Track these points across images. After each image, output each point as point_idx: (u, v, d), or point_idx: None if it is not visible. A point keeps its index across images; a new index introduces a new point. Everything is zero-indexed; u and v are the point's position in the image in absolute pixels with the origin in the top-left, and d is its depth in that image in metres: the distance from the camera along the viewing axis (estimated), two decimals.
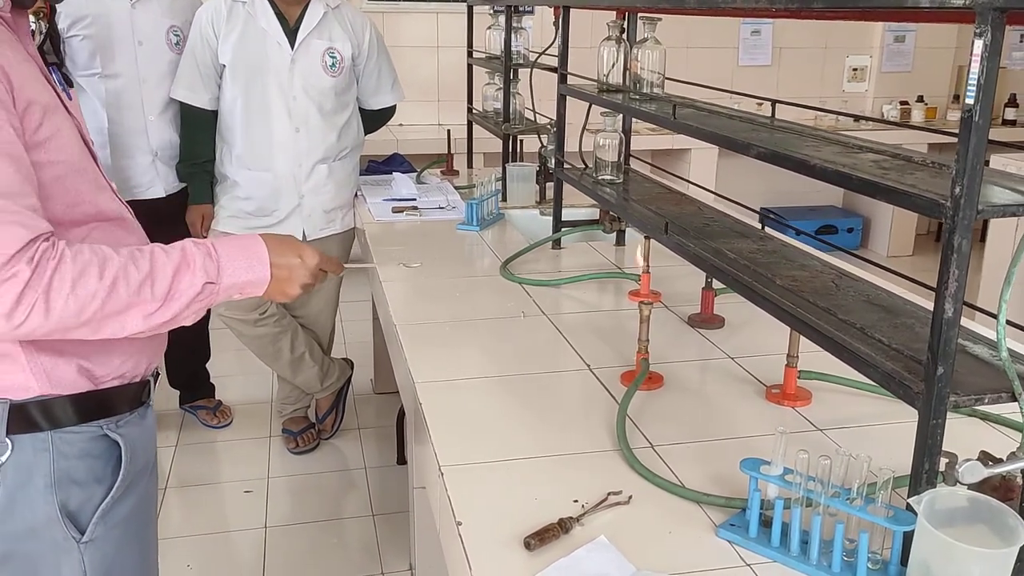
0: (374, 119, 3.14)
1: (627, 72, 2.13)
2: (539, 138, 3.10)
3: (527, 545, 1.12)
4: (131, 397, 1.26)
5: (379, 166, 3.58)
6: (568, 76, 2.36)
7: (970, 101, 0.94)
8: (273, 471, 3.15)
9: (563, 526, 1.16)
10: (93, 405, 1.20)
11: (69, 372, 1.18)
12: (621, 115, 2.24)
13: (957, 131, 0.95)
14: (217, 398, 3.49)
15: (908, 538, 1.04)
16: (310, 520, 2.87)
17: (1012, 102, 5.97)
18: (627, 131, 2.35)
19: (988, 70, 0.92)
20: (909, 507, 1.03)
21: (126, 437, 1.25)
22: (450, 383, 1.64)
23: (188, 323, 1.18)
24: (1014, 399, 1.03)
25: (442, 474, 1.32)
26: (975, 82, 0.93)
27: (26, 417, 1.16)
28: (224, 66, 2.87)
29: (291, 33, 2.85)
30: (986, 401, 1.03)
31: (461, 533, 1.17)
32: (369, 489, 3.05)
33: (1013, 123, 5.93)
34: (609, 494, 1.25)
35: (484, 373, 1.69)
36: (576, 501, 1.24)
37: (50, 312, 1.04)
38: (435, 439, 1.42)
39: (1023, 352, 1.17)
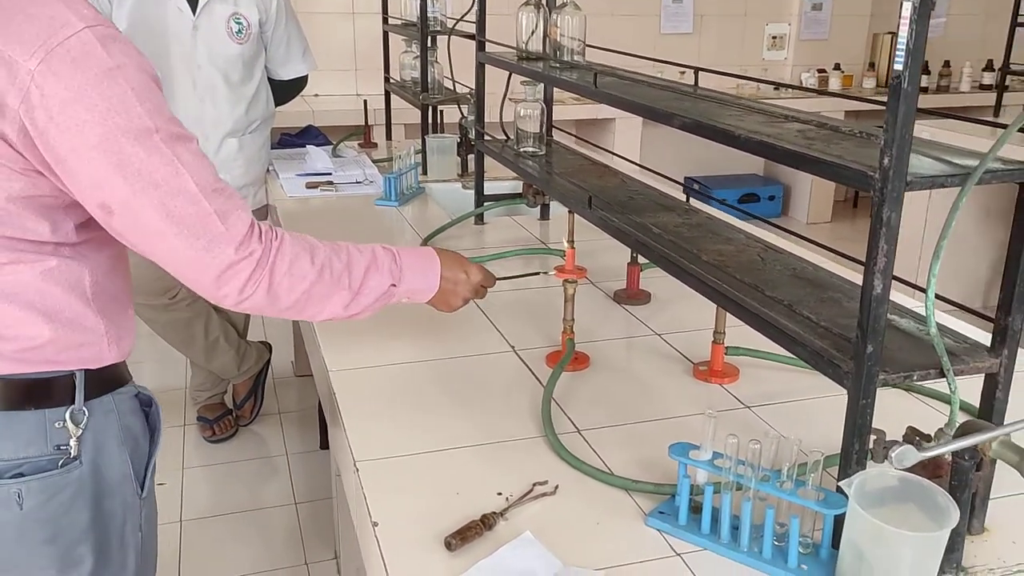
0: (285, 90, 3.00)
1: (547, 39, 2.06)
2: (459, 108, 3.00)
3: (448, 545, 1.06)
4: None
5: (292, 139, 3.44)
6: (487, 44, 2.27)
7: (899, 67, 0.89)
8: (188, 461, 3.02)
9: (486, 522, 1.09)
10: (126, 369, 1.26)
11: (128, 340, 1.23)
12: (542, 84, 2.17)
13: (874, 98, 0.91)
14: None
15: (839, 520, 1.01)
16: (229, 511, 2.76)
17: (924, 69, 6.09)
18: (548, 101, 2.28)
19: (917, 33, 0.87)
20: (840, 489, 1.00)
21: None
22: (366, 370, 1.56)
23: (362, 318, 1.27)
24: (942, 375, 1.00)
25: (357, 470, 1.24)
26: (903, 47, 0.89)
27: (98, 383, 1.18)
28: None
29: None
30: (915, 378, 1.00)
31: (377, 534, 1.10)
32: (291, 476, 2.95)
33: (925, 90, 6.06)
34: (534, 485, 1.19)
35: (403, 358, 1.61)
36: (500, 494, 1.18)
37: (271, 289, 1.12)
38: (350, 431, 1.34)
39: (945, 323, 1.16)
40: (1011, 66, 4.49)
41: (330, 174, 2.93)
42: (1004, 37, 4.42)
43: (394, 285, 1.27)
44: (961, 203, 0.93)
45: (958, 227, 0.93)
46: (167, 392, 3.44)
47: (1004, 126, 1.08)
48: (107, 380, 1.20)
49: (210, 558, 2.55)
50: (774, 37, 6.22)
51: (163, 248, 1.07)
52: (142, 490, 1.26)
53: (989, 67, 6.09)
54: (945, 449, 0.91)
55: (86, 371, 1.16)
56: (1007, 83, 4.71)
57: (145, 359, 3.57)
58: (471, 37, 2.38)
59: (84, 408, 1.16)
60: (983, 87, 6.10)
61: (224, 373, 3.09)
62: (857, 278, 1.44)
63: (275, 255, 1.13)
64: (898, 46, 0.89)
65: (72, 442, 1.15)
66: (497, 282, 1.50)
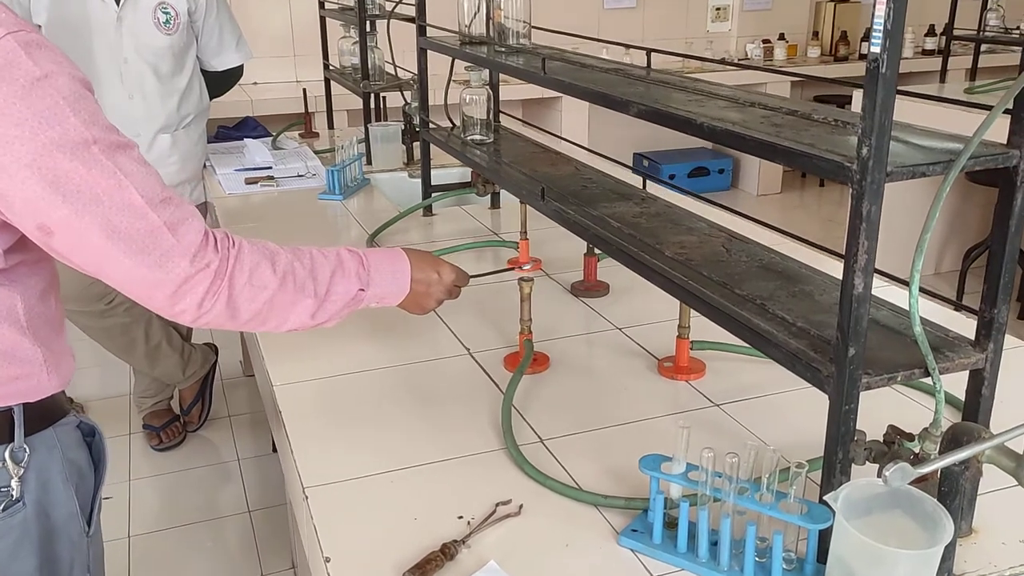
0: (219, 82, 2.85)
1: (490, 22, 1.96)
2: (402, 94, 2.89)
3: None
4: None
5: (230, 132, 3.30)
6: (428, 28, 2.17)
7: (876, 49, 0.82)
8: (135, 472, 2.89)
9: (447, 552, 1.01)
10: (66, 398, 1.18)
11: (67, 366, 1.16)
12: (487, 69, 2.07)
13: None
14: (68, 395, 3.17)
15: (825, 533, 0.95)
16: (180, 523, 2.64)
17: (868, 36, 6.09)
18: (495, 85, 2.19)
19: (895, 12, 0.80)
20: (823, 500, 0.94)
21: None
22: (313, 383, 1.47)
23: (329, 326, 1.18)
24: (927, 374, 0.94)
25: (307, 497, 1.15)
26: (881, 27, 0.82)
27: (38, 416, 1.11)
28: (39, 27, 2.53)
29: None
30: (899, 379, 0.94)
31: (330, 571, 1.01)
32: (244, 482, 2.84)
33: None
34: (497, 505, 1.11)
35: (351, 367, 1.52)
36: (461, 517, 1.10)
37: (230, 300, 1.04)
38: (298, 455, 1.25)
39: (903, 305, 1.10)
40: (954, 31, 4.49)
41: (270, 168, 2.80)
42: (945, 1, 4.42)
43: (362, 290, 1.18)
44: (945, 192, 0.86)
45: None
46: (110, 399, 3.30)
47: (981, 106, 1.02)
48: (48, 412, 1.12)
49: (162, 574, 2.44)
50: (718, 8, 6.17)
51: (111, 267, 0.99)
52: (89, 527, 1.18)
53: (931, 32, 6.11)
54: (943, 463, 0.85)
55: (24, 405, 1.08)
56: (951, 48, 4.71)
57: (86, 365, 3.42)
58: (411, 21, 2.27)
59: (25, 445, 1.08)
60: (926, 52, 6.13)
61: (169, 379, 2.96)
62: (822, 263, 1.38)
63: (233, 264, 1.04)
64: (874, 27, 0.82)
65: (14, 483, 1.07)
66: (470, 280, 1.40)
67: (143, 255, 0.97)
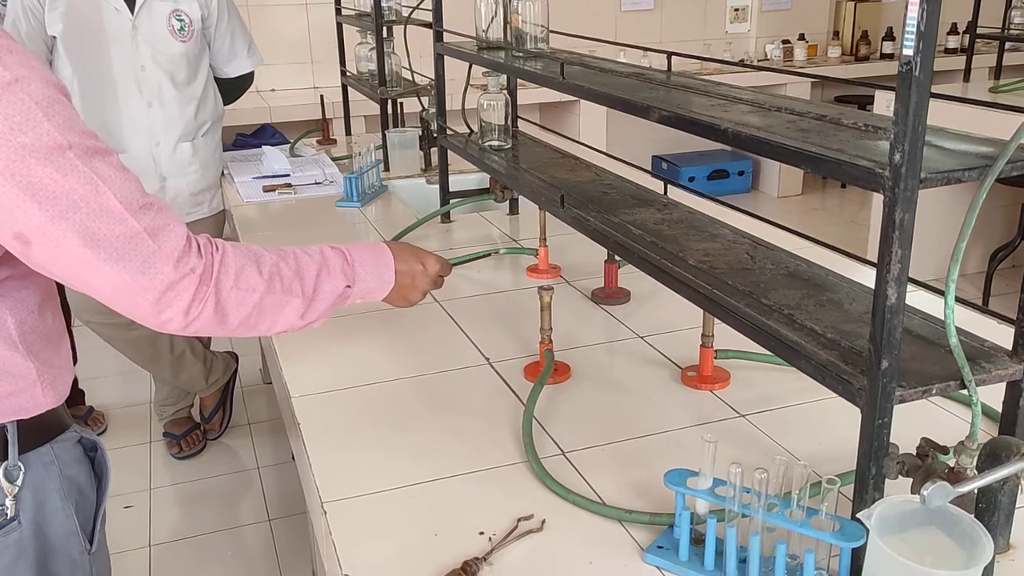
0: (232, 88, 2.85)
1: (508, 27, 1.94)
2: (419, 100, 2.88)
3: None
4: None
5: (248, 139, 3.29)
6: (445, 33, 2.15)
7: (909, 52, 0.79)
8: (156, 480, 2.89)
9: (468, 570, 0.99)
10: (66, 413, 1.16)
11: (64, 380, 1.13)
12: (505, 74, 2.05)
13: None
14: (88, 404, 3.18)
15: (857, 550, 0.92)
16: (201, 532, 2.64)
17: (889, 36, 6.04)
18: (512, 91, 2.17)
19: (929, 13, 0.77)
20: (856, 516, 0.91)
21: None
22: (332, 394, 1.45)
23: (317, 326, 1.17)
24: (963, 386, 0.91)
25: (325, 512, 1.13)
26: (913, 29, 0.79)
27: (34, 433, 1.09)
28: (55, 38, 2.54)
29: None
30: (934, 392, 0.91)
31: None
32: (264, 491, 2.83)
33: (891, 56, 6.00)
34: (519, 520, 1.09)
35: (370, 377, 1.50)
36: (482, 533, 1.08)
37: (218, 305, 1.02)
38: (316, 468, 1.23)
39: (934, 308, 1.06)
40: (978, 29, 4.41)
41: (288, 175, 2.79)
42: None
43: (348, 286, 1.17)
44: (982, 199, 0.83)
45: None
46: (131, 407, 3.30)
47: (1015, 108, 0.99)
48: (44, 428, 1.10)
49: None
50: (736, 9, 6.12)
51: (92, 275, 0.95)
52: (91, 545, 1.15)
53: (953, 30, 6.03)
54: (984, 482, 0.82)
55: (19, 422, 1.06)
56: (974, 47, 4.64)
57: (106, 374, 3.42)
58: (428, 26, 2.25)
59: (19, 463, 1.06)
60: (948, 51, 6.05)
61: (192, 387, 2.96)
62: (847, 267, 1.35)
63: (218, 269, 1.02)
64: (907, 29, 0.79)
65: (8, 501, 1.05)
66: (452, 268, 1.38)
67: (124, 261, 0.95)
